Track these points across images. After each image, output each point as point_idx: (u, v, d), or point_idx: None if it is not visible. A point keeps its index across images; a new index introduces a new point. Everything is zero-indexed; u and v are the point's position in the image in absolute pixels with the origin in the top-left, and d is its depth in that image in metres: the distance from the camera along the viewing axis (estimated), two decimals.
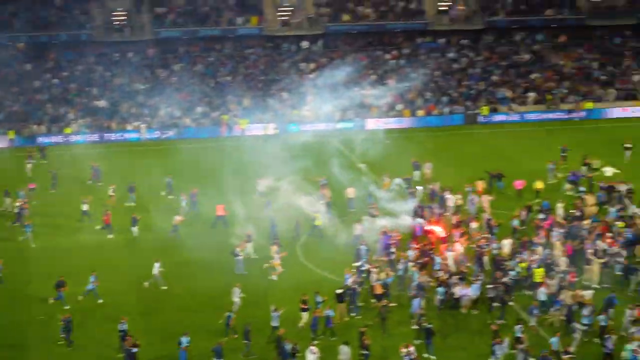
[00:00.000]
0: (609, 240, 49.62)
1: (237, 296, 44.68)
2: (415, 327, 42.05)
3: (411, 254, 49.00)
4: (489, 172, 63.62)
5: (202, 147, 79.07)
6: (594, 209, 56.72)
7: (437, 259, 48.21)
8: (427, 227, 54.24)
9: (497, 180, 63.56)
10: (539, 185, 61.52)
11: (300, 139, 73.00)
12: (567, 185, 62.82)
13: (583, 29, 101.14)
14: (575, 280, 45.77)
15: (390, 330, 42.41)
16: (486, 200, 58.51)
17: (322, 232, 55.43)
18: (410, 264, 47.72)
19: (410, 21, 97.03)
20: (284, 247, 51.79)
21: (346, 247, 52.73)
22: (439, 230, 53.56)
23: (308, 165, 64.60)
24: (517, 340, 39.38)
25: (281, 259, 49.61)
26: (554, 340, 39.34)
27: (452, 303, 44.55)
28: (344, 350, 38.96)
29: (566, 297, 43.23)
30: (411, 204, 57.78)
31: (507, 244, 50.14)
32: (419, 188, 61.41)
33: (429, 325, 40.50)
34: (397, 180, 62.52)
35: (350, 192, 61.00)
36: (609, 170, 65.36)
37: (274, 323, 41.61)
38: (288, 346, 39.02)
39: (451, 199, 58.36)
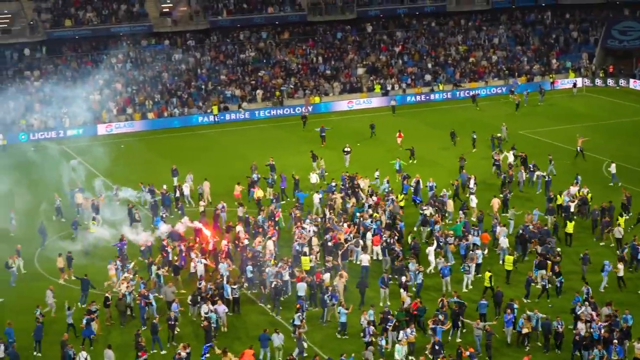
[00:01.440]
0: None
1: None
2: None
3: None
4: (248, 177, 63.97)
5: None
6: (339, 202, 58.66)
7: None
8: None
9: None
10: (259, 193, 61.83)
11: (30, 149, 71.12)
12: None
13: (305, 25, 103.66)
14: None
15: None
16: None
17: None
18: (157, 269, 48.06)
19: (134, 24, 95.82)
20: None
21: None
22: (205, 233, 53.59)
23: (39, 175, 64.40)
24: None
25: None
26: None
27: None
28: (108, 354, 39.49)
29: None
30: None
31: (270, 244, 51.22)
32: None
33: None
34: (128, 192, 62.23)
35: (79, 197, 60.45)
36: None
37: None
38: (71, 351, 39.47)
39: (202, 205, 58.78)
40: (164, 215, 57.42)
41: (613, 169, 65.51)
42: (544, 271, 47.46)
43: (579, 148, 71.47)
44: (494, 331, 41.24)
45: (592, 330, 40.62)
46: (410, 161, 68.79)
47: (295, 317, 42.24)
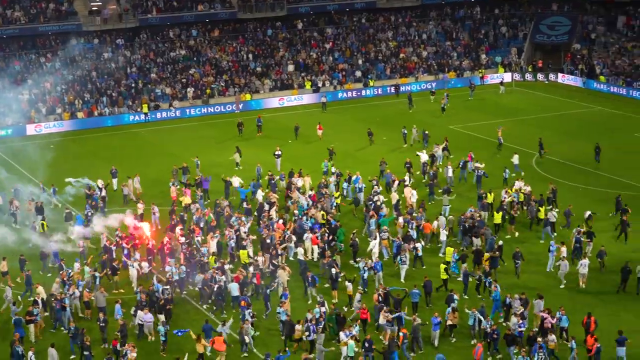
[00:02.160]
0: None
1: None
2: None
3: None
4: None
5: None
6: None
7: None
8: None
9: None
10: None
11: None
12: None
13: (235, 23, 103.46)
14: None
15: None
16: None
17: None
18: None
19: (63, 23, 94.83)
20: None
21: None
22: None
23: None
24: None
25: None
26: None
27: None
28: (52, 353, 39.60)
29: None
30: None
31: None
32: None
33: None
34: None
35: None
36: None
37: None
38: (19, 348, 39.75)
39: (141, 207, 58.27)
40: (89, 214, 56.89)
41: (516, 159, 66.68)
42: (465, 265, 48.16)
43: (499, 139, 73.01)
44: (424, 322, 41.71)
45: (516, 327, 41.01)
46: (331, 163, 68.87)
47: (245, 313, 42.48)
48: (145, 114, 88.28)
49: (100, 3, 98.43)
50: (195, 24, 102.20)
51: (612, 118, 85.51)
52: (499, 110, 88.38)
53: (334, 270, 46.75)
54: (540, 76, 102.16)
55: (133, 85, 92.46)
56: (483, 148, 72.07)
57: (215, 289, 45.62)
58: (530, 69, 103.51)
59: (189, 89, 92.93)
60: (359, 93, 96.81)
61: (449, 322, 42.22)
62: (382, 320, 41.76)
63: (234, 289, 45.41)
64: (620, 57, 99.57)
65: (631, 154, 72.13)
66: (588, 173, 66.43)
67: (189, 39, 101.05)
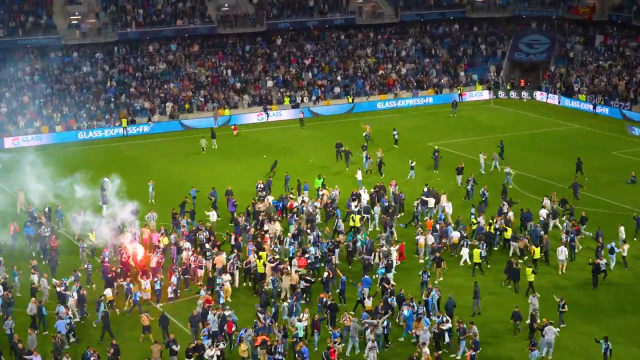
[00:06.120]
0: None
1: None
2: None
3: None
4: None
5: None
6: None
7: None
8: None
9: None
10: None
11: None
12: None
13: (215, 38, 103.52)
14: None
15: None
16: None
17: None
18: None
19: (42, 36, 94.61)
20: None
21: None
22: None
23: None
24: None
25: None
26: None
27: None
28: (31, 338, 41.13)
29: None
30: None
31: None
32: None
33: None
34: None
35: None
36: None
37: None
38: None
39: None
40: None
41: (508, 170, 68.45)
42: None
43: (366, 134, 79.96)
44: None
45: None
46: (271, 174, 69.29)
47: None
48: (124, 128, 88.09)
49: (79, 17, 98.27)
50: (175, 39, 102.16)
51: (589, 135, 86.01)
52: (477, 128, 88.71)
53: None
54: (524, 94, 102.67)
55: (112, 99, 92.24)
56: (467, 165, 71.61)
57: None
58: (509, 87, 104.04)
59: (167, 104, 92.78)
60: (338, 109, 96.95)
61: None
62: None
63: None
64: (598, 76, 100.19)
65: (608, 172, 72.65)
66: (565, 191, 66.33)
67: (168, 54, 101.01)
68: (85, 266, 50.74)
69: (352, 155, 74.50)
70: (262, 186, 64.02)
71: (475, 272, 51.46)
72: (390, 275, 49.31)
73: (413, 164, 70.13)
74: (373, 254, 52.01)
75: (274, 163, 70.96)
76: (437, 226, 55.52)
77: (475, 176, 67.24)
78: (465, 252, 53.03)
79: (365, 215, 58.47)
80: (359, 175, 67.84)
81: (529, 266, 50.12)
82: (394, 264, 50.87)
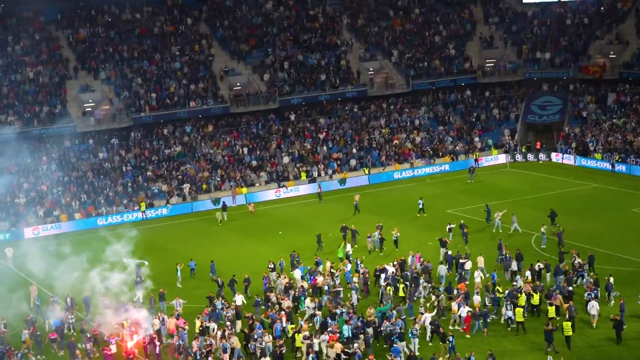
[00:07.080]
0: None
1: None
2: None
3: None
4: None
5: None
6: None
7: None
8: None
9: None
10: None
11: None
12: None
13: (229, 117, 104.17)
14: None
15: None
16: None
17: None
18: None
19: (57, 125, 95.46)
20: None
21: None
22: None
23: None
24: None
25: None
26: None
27: None
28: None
29: None
30: None
31: None
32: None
33: None
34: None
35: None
36: None
37: None
38: None
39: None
40: None
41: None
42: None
43: (355, 204, 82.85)
44: None
45: None
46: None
47: None
48: (143, 212, 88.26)
49: (93, 104, 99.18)
50: (189, 120, 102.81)
51: (607, 193, 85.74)
52: (495, 192, 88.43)
53: None
54: (542, 156, 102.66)
55: (129, 184, 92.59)
56: (480, 230, 71.65)
57: None
58: (524, 149, 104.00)
59: (184, 185, 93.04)
60: (356, 181, 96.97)
61: None
62: None
63: None
64: (612, 134, 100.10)
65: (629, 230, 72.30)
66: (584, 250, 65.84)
67: (183, 135, 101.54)
68: None
69: (359, 234, 73.68)
70: (273, 266, 63.69)
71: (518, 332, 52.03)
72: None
73: (452, 227, 70.81)
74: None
75: (318, 237, 71.45)
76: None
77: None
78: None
79: (406, 283, 58.77)
80: (348, 247, 68.17)
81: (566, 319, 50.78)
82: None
